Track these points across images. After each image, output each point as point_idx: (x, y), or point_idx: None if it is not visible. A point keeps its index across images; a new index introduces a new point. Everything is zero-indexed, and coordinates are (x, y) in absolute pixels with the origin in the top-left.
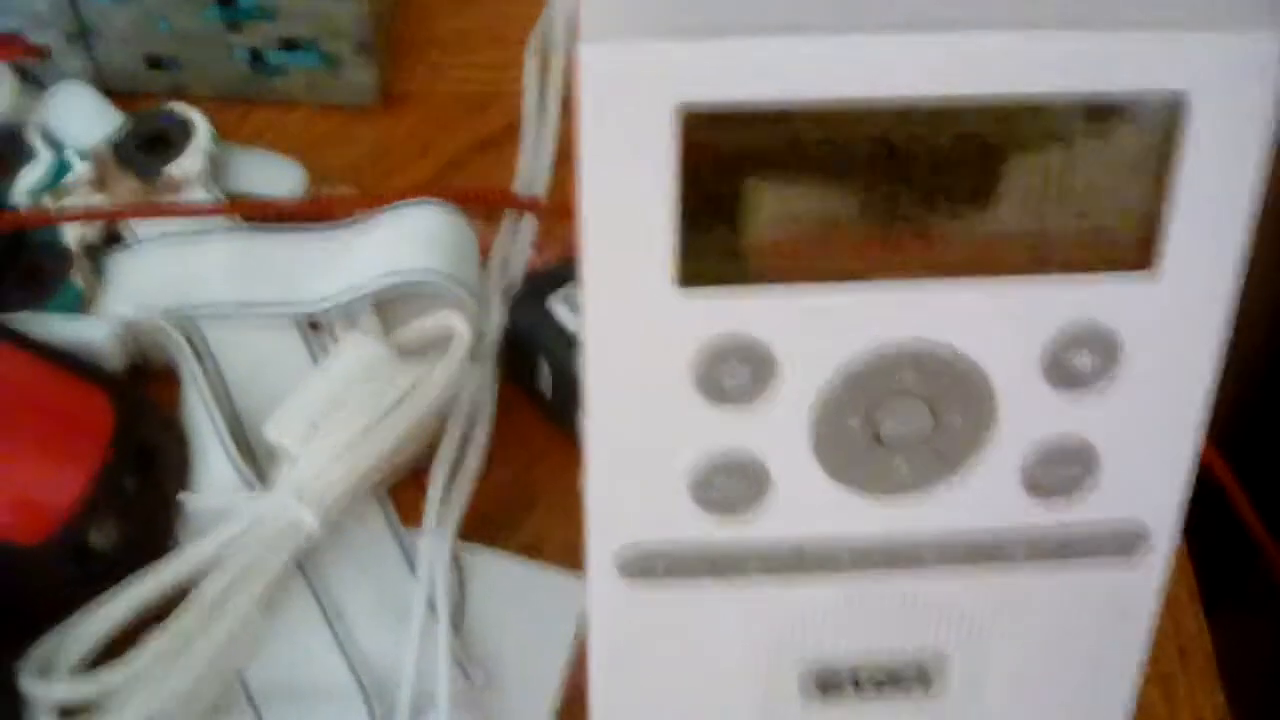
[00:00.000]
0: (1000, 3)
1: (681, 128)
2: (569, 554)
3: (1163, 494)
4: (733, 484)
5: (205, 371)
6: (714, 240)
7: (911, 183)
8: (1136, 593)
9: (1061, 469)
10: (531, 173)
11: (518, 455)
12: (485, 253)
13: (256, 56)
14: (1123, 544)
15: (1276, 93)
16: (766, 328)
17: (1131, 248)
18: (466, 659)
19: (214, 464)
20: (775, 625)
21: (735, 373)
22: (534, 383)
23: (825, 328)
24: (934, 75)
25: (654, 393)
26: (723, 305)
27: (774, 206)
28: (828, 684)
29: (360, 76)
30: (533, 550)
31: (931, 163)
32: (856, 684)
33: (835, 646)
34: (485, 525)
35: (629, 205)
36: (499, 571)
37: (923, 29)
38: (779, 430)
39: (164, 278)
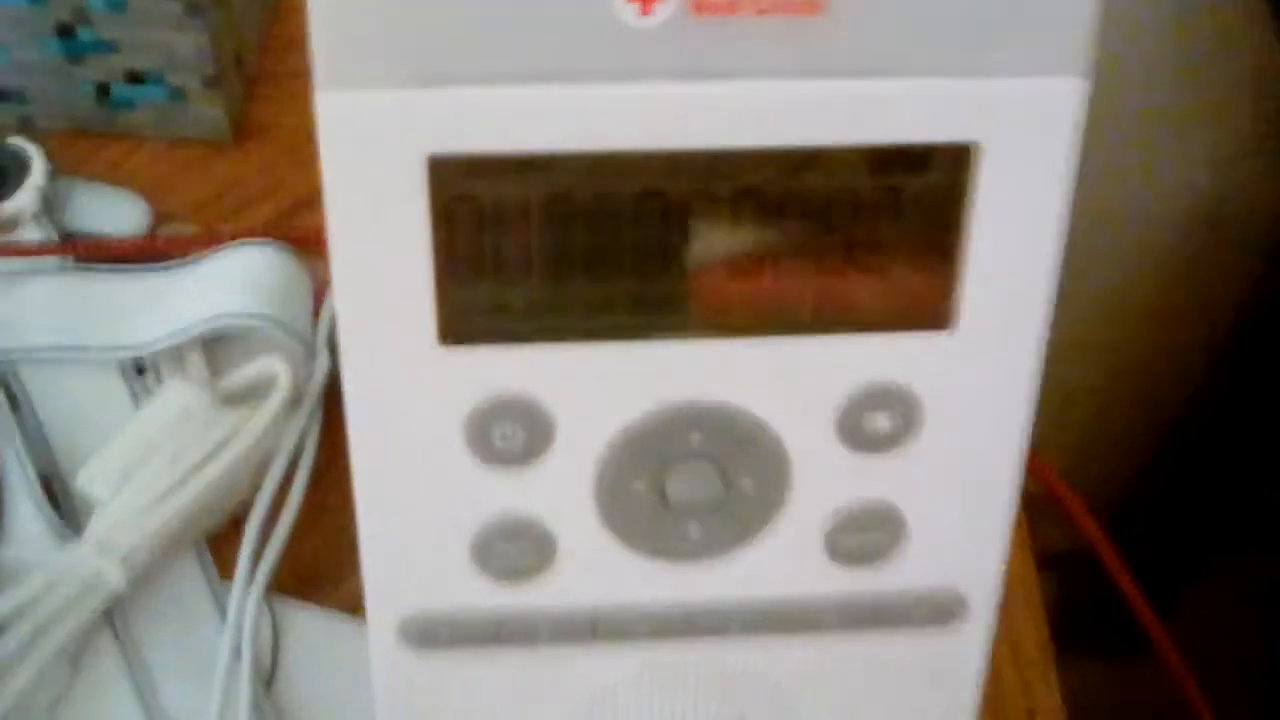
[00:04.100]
0: (776, 48)
1: (432, 179)
2: None
3: (978, 560)
4: (516, 549)
5: (19, 418)
6: (476, 295)
7: (687, 237)
8: (956, 663)
9: (866, 535)
10: None
11: (345, 507)
12: (323, 294)
13: (103, 89)
14: (937, 613)
15: (1073, 141)
16: (539, 386)
17: (927, 305)
18: (274, 716)
19: (23, 514)
20: (572, 696)
21: (509, 433)
22: None
23: (602, 386)
24: (706, 126)
25: (424, 455)
26: (491, 363)
27: (538, 259)
28: None
29: (209, 110)
30: (356, 607)
31: (708, 216)
32: None
33: (637, 718)
34: (307, 579)
35: (382, 260)
36: (316, 628)
37: (693, 77)
38: (561, 493)
39: None
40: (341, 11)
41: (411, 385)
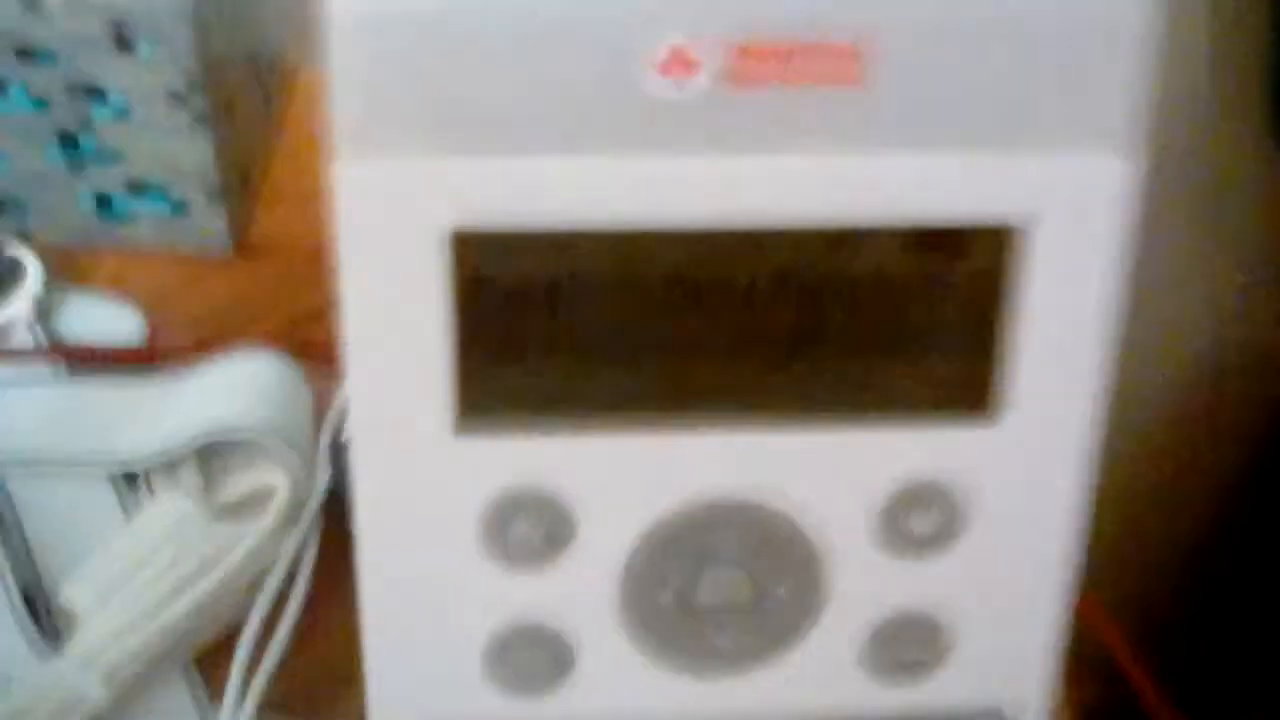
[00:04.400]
0: (815, 122)
1: (455, 255)
2: None
3: (1024, 673)
4: (531, 657)
5: (3, 529)
6: (496, 379)
7: (718, 319)
8: None
9: (905, 646)
10: None
11: (343, 626)
12: (325, 407)
13: (103, 200)
14: None
15: (1122, 219)
16: (561, 479)
17: (970, 393)
18: None
19: (2, 628)
20: None
21: (528, 530)
22: None
23: (628, 480)
24: (741, 202)
25: (436, 552)
26: (510, 454)
27: (562, 342)
28: None
29: (212, 223)
30: None
31: (741, 298)
32: None
33: None
34: (300, 703)
35: (399, 342)
36: None
37: (727, 151)
38: (582, 597)
39: None
40: (364, 79)
41: (425, 475)
